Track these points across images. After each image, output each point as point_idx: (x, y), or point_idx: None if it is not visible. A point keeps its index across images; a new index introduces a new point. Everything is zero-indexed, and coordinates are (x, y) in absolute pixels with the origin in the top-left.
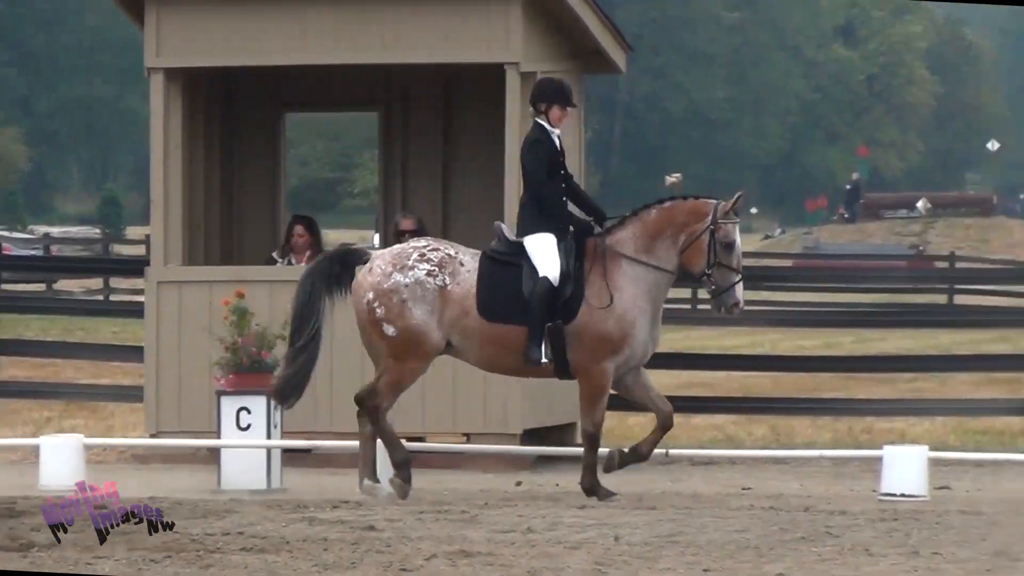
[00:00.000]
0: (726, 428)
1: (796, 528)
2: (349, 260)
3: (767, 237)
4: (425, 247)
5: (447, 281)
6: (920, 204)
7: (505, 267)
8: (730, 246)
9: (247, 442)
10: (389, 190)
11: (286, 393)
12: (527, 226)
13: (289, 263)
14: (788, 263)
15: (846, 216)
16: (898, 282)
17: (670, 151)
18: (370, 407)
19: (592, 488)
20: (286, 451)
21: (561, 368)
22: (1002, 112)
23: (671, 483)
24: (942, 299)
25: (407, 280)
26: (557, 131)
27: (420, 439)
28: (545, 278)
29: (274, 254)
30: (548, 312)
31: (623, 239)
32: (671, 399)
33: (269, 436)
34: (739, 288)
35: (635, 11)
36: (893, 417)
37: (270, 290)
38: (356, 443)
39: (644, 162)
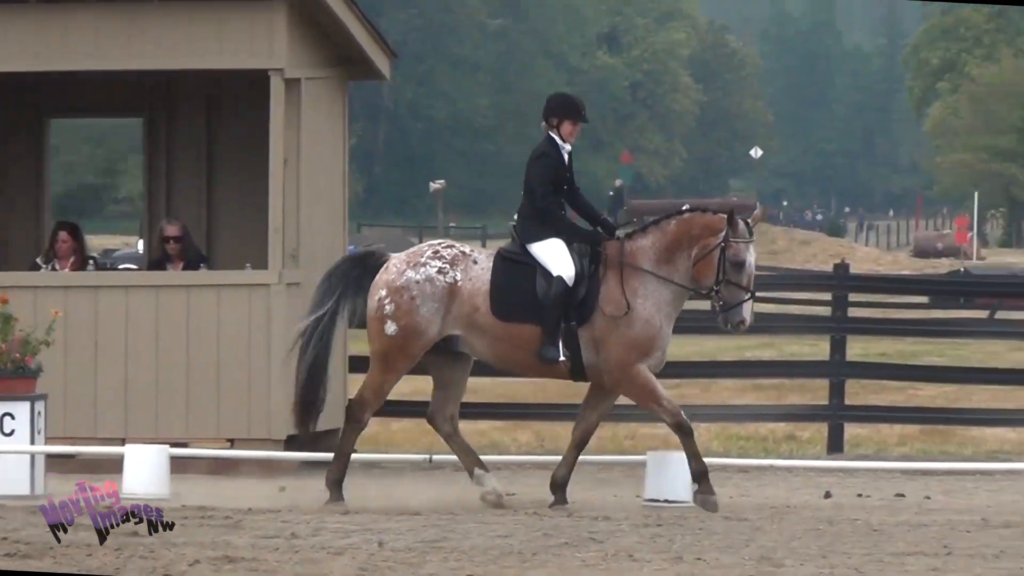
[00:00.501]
0: (491, 434)
1: (560, 533)
2: (369, 261)
3: None
4: (440, 244)
5: (458, 277)
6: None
7: (519, 267)
8: (740, 265)
9: (10, 447)
10: (154, 196)
11: (304, 416)
12: (531, 234)
13: (53, 269)
14: None
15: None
16: None
17: (434, 158)
18: (355, 420)
19: (699, 476)
20: (50, 456)
21: (577, 370)
22: (765, 119)
23: (434, 489)
24: (707, 305)
25: (419, 277)
26: (568, 146)
27: (184, 444)
28: (560, 278)
29: (38, 260)
30: (563, 313)
31: (643, 247)
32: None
33: (33, 441)
34: (747, 306)
35: (400, 18)
36: (656, 423)
37: (34, 296)
38: (118, 448)
39: (408, 169)
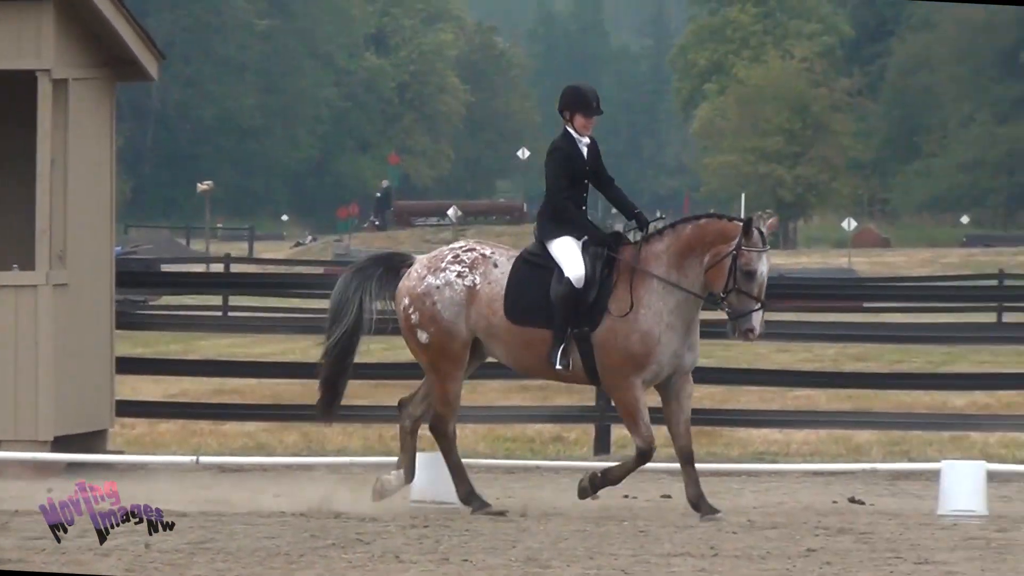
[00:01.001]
0: (257, 436)
1: (327, 535)
2: (392, 262)
3: (298, 244)
4: (461, 248)
5: (477, 281)
6: (451, 212)
7: (537, 269)
8: (751, 274)
9: None
10: None
11: (324, 410)
12: (547, 232)
13: None
14: (319, 271)
15: (377, 224)
16: None
17: (202, 159)
18: (439, 434)
19: (595, 482)
20: None
21: (592, 375)
22: (533, 120)
23: (201, 490)
24: None
25: (438, 282)
26: (585, 139)
27: None
28: (568, 280)
29: None
30: (572, 316)
31: (656, 252)
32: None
33: None
34: (756, 315)
35: (167, 18)
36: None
37: None
38: None
39: (176, 170)
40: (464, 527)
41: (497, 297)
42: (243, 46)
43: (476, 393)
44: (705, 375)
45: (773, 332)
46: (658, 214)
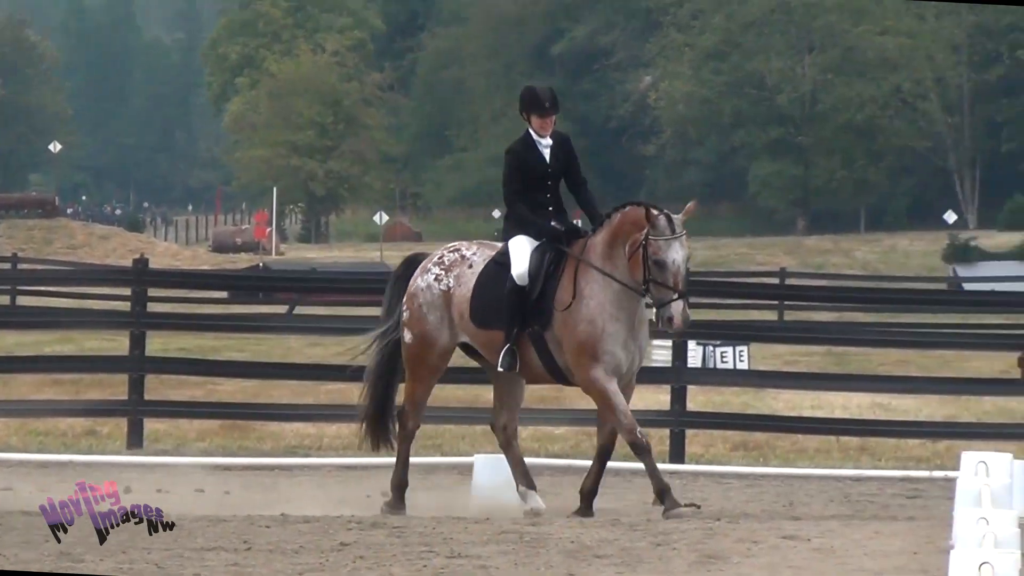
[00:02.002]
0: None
1: None
2: (414, 261)
3: None
4: (448, 248)
5: (451, 284)
6: None
7: (500, 270)
8: (660, 264)
9: None
10: None
11: (376, 434)
12: (508, 232)
13: None
14: None
15: None
16: None
17: None
18: (402, 426)
19: (662, 494)
20: None
21: (556, 374)
22: (65, 113)
23: None
24: (5, 300)
25: (423, 284)
26: (546, 140)
27: None
28: (511, 278)
29: None
30: (519, 315)
31: (595, 244)
32: None
33: None
34: (675, 306)
35: None
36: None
37: None
38: None
39: None
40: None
41: (465, 300)
42: None
43: (9, 387)
44: (238, 369)
45: (307, 326)
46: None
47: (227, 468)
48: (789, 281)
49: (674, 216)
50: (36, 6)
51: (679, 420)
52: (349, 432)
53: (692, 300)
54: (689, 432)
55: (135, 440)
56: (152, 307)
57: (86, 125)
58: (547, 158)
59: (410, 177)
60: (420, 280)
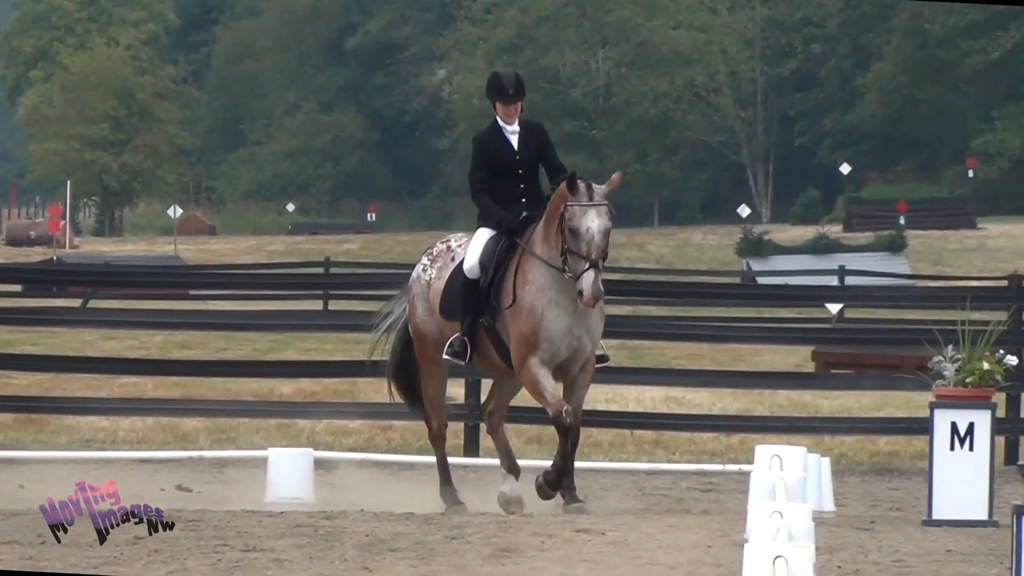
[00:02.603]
0: None
1: None
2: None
3: None
4: (442, 240)
5: (433, 276)
6: None
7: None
8: (575, 232)
9: None
10: None
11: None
12: (477, 223)
13: None
14: None
15: None
16: None
17: None
18: (428, 428)
19: (559, 473)
20: None
21: (511, 365)
22: None
23: None
24: None
25: (414, 276)
26: (513, 127)
27: None
28: (460, 270)
29: None
30: (470, 307)
31: (537, 230)
32: None
33: None
34: (585, 276)
35: None
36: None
37: None
38: None
39: None
40: None
41: (439, 292)
42: None
43: None
44: (32, 363)
45: (100, 319)
46: None
47: (19, 462)
48: None
49: (596, 185)
50: None
51: (474, 414)
52: (144, 426)
53: None
54: (484, 425)
55: None
56: None
57: None
58: (515, 145)
59: (204, 170)
60: (414, 271)
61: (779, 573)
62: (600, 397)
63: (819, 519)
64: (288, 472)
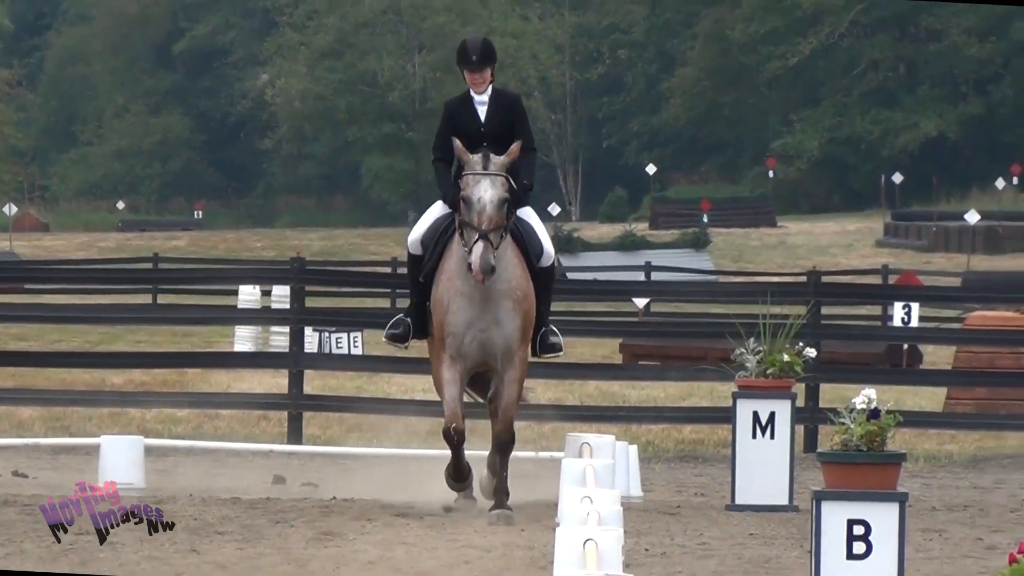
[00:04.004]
0: None
1: None
2: None
3: None
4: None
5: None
6: None
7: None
8: (467, 201)
9: None
10: None
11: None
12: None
13: None
14: None
15: None
16: None
17: None
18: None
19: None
20: None
21: None
22: None
23: None
24: None
25: None
26: (482, 96)
27: None
28: (407, 245)
29: None
30: (414, 286)
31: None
32: None
33: None
34: (475, 248)
35: None
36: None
37: None
38: None
39: None
40: None
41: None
42: None
43: None
44: None
45: None
46: None
47: None
48: (401, 270)
49: (495, 156)
50: None
51: (297, 403)
52: None
53: (309, 288)
54: (307, 414)
55: None
56: None
57: None
58: (481, 116)
59: (38, 170)
60: None
61: (589, 556)
62: (418, 387)
63: (627, 504)
64: (120, 458)
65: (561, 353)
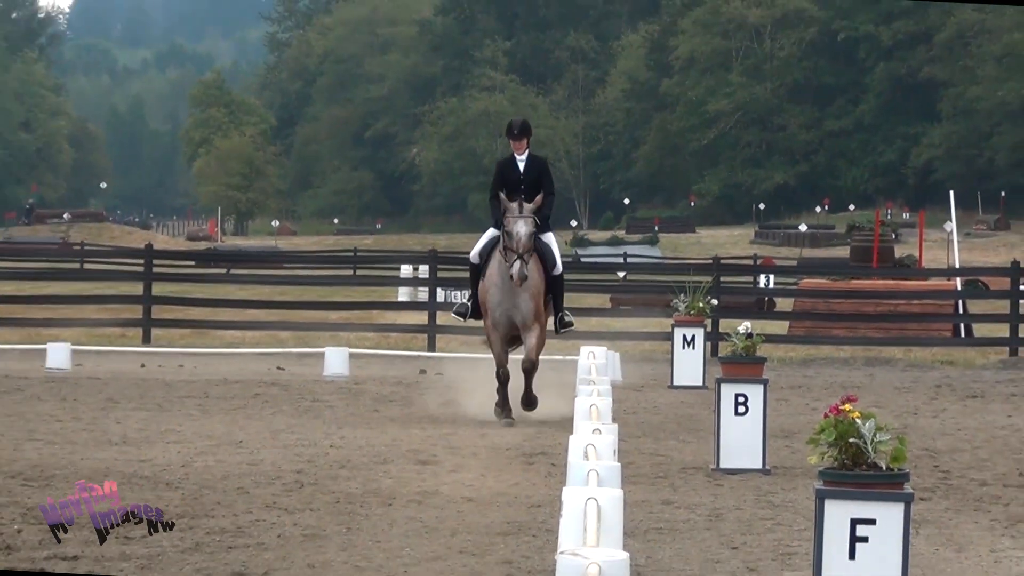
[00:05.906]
0: None
1: None
2: None
3: None
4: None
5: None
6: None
7: None
8: (508, 234)
9: None
10: None
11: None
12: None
13: None
14: None
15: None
16: None
17: None
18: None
19: (523, 404)
20: None
21: None
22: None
23: None
24: None
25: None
26: (522, 157)
27: None
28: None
29: None
30: (473, 285)
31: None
32: None
33: None
34: (516, 264)
35: None
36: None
37: None
38: None
39: None
40: None
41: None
42: None
43: None
44: None
45: None
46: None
47: None
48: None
49: (526, 203)
50: None
51: (433, 330)
52: None
53: (440, 267)
54: (438, 336)
55: None
56: None
57: None
58: (521, 171)
59: (290, 201)
60: None
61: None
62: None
63: (615, 384)
64: (336, 360)
65: (573, 327)
